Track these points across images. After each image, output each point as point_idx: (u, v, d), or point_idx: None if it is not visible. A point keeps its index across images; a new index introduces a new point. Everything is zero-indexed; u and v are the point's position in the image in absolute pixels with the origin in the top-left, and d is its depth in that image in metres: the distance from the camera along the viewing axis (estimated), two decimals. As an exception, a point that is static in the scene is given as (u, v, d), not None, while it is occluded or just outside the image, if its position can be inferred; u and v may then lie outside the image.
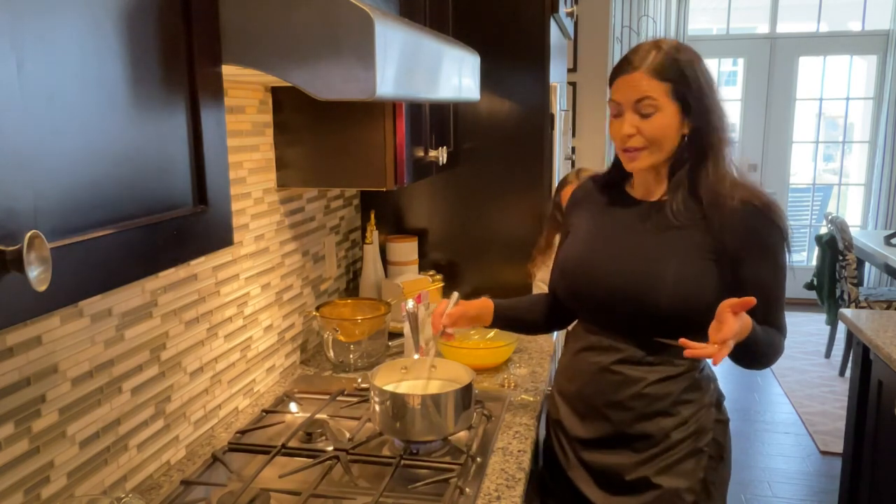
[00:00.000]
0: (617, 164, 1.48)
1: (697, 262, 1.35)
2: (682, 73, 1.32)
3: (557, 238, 2.25)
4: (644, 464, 1.41)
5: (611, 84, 1.40)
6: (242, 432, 1.54)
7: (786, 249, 1.38)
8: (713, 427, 1.42)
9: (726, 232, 1.34)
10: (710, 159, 1.35)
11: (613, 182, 1.52)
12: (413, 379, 1.58)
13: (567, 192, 2.22)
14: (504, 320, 1.63)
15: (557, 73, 2.54)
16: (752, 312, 1.33)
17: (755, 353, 1.36)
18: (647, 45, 1.36)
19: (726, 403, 1.51)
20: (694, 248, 1.35)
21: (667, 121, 1.33)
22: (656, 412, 1.40)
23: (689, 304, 1.33)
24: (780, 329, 1.40)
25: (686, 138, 1.36)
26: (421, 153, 1.86)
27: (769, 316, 1.37)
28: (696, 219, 1.36)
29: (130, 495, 1.10)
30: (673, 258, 1.35)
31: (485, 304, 1.59)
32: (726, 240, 1.34)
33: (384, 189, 1.77)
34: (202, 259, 1.51)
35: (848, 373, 3.79)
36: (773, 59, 6.12)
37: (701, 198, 1.36)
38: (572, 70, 4.09)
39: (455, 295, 1.58)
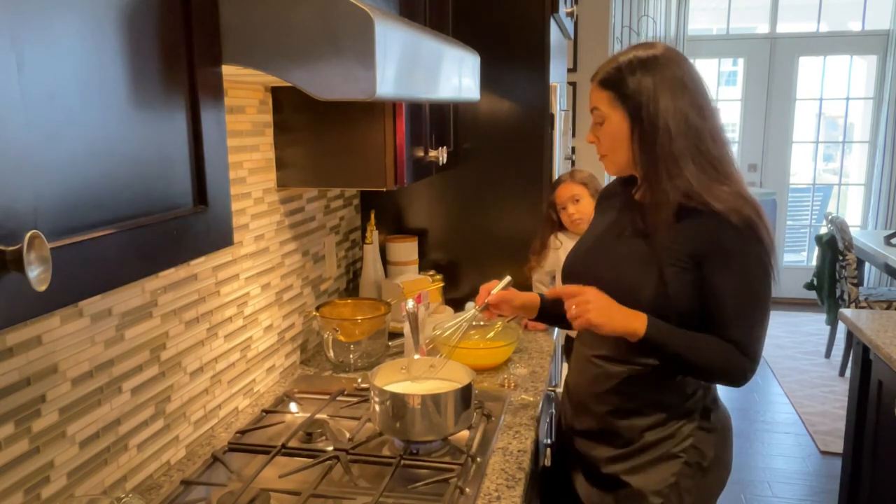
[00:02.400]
0: None
1: (670, 268, 1.34)
2: (622, 81, 1.35)
3: (552, 239, 2.26)
4: (618, 460, 1.44)
5: None
6: (242, 432, 1.54)
7: (760, 269, 1.32)
8: (694, 434, 1.41)
9: (683, 238, 1.32)
10: (660, 166, 1.33)
11: (628, 182, 1.53)
12: (413, 379, 1.58)
13: (561, 192, 2.23)
14: (547, 315, 1.66)
15: (557, 73, 2.54)
16: (712, 324, 1.34)
17: (669, 358, 1.35)
18: (617, 53, 1.41)
19: (726, 404, 1.51)
20: (667, 254, 1.34)
21: (613, 128, 1.38)
22: (630, 410, 1.42)
23: (664, 308, 1.33)
24: (742, 349, 1.33)
25: (637, 144, 1.37)
26: (421, 153, 1.86)
27: (726, 331, 1.33)
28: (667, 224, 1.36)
29: (130, 495, 1.10)
30: (652, 263, 1.35)
31: (533, 299, 1.63)
32: (685, 246, 1.32)
33: (384, 189, 1.77)
34: (202, 259, 1.51)
35: (848, 373, 3.79)
36: (773, 59, 6.12)
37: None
38: (572, 70, 4.09)
39: (507, 278, 1.61)
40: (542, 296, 1.65)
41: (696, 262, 1.33)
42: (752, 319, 1.34)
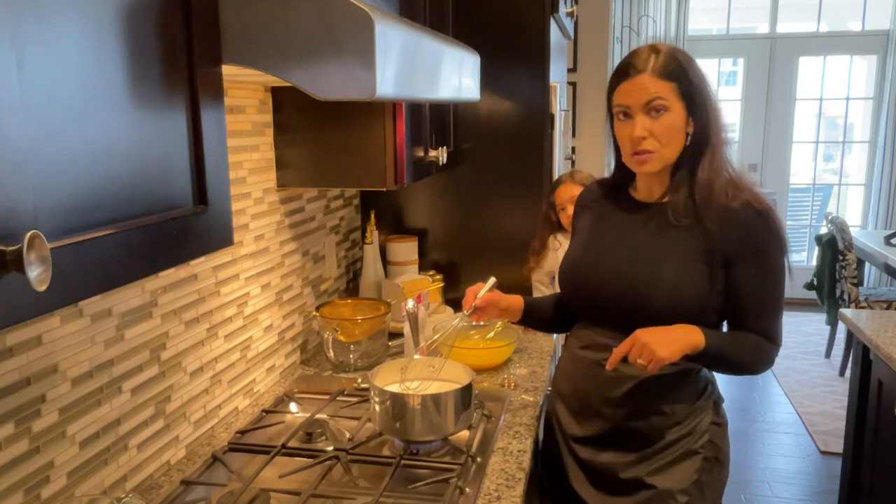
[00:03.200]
0: (620, 167, 1.49)
1: (693, 265, 1.35)
2: (684, 72, 1.35)
3: (551, 240, 2.26)
4: (638, 463, 1.42)
5: (612, 90, 1.39)
6: (242, 432, 1.54)
7: (784, 258, 1.38)
8: (709, 429, 1.42)
9: (719, 231, 1.34)
10: (707, 157, 1.37)
11: (618, 185, 1.52)
12: (413, 379, 1.58)
13: (561, 193, 2.23)
14: (530, 318, 1.65)
15: (557, 73, 2.54)
16: (736, 317, 1.39)
17: (718, 362, 1.39)
18: (644, 50, 1.37)
19: (726, 404, 1.51)
20: (691, 250, 1.36)
21: (675, 120, 1.35)
22: (650, 411, 1.41)
23: (684, 306, 1.35)
24: (771, 337, 1.40)
25: (689, 137, 1.37)
26: (421, 153, 1.86)
27: (755, 322, 1.38)
28: (694, 220, 1.37)
29: (130, 495, 1.10)
30: (670, 260, 1.36)
31: (516, 302, 1.62)
32: (719, 240, 1.34)
33: (384, 189, 1.77)
34: (202, 259, 1.51)
35: (848, 373, 3.79)
36: (773, 59, 6.12)
37: (695, 196, 1.38)
38: (572, 70, 4.09)
39: (492, 280, 1.60)
40: (525, 298, 1.63)
41: (724, 256, 1.35)
42: (776, 307, 1.40)
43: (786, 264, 1.39)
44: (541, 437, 1.70)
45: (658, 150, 1.36)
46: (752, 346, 1.39)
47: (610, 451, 1.44)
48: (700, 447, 1.40)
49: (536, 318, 1.67)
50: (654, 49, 1.36)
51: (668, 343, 1.28)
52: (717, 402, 1.47)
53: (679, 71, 1.35)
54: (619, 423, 1.42)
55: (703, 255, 1.35)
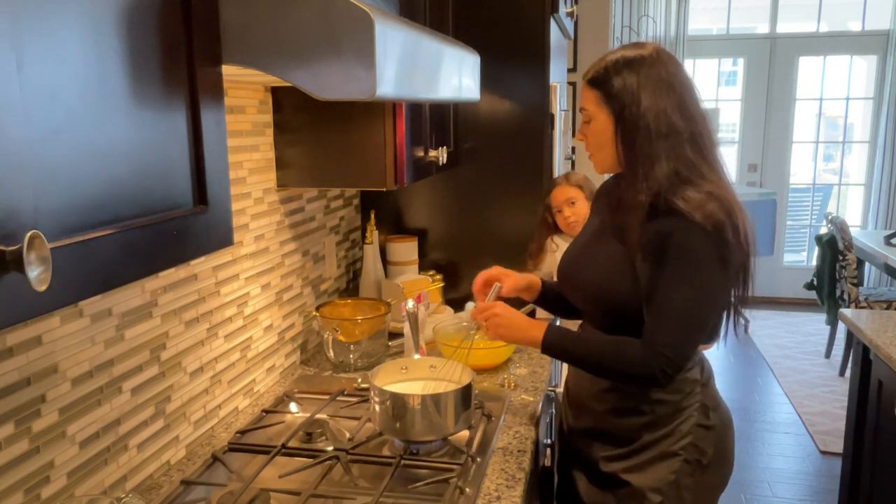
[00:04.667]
0: None
1: (641, 265, 1.33)
2: (608, 81, 1.35)
3: (549, 242, 2.26)
4: (617, 459, 1.44)
5: None
6: (242, 432, 1.54)
7: (714, 265, 1.28)
8: (693, 431, 1.41)
9: (646, 237, 1.31)
10: (637, 166, 1.33)
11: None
12: (413, 379, 1.58)
13: (556, 195, 2.23)
14: (546, 301, 1.68)
15: (557, 73, 2.54)
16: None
17: (576, 364, 1.45)
18: (607, 53, 1.40)
19: (728, 404, 1.51)
20: (639, 253, 1.34)
21: (599, 127, 1.39)
22: (628, 409, 1.42)
23: (640, 307, 1.35)
24: (658, 345, 1.30)
25: (619, 143, 1.36)
26: (421, 153, 1.86)
27: (653, 325, 1.31)
28: (620, 227, 1.38)
29: (130, 495, 1.10)
30: (625, 263, 1.36)
31: (534, 280, 1.66)
32: (648, 245, 1.31)
33: (384, 189, 1.77)
34: (202, 259, 1.51)
35: (848, 373, 3.79)
36: (773, 59, 6.12)
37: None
38: (572, 70, 4.09)
39: (497, 286, 1.61)
40: (543, 279, 1.67)
41: (658, 259, 1.31)
42: (681, 319, 1.30)
43: (714, 275, 1.29)
44: (541, 436, 1.70)
45: (594, 153, 1.43)
46: (617, 356, 1.34)
47: (596, 444, 1.48)
48: (680, 449, 1.40)
49: (552, 300, 1.65)
50: (611, 53, 1.39)
51: (506, 326, 1.46)
52: (707, 404, 1.44)
53: (603, 79, 1.36)
54: (602, 418, 1.46)
55: (647, 259, 1.32)
